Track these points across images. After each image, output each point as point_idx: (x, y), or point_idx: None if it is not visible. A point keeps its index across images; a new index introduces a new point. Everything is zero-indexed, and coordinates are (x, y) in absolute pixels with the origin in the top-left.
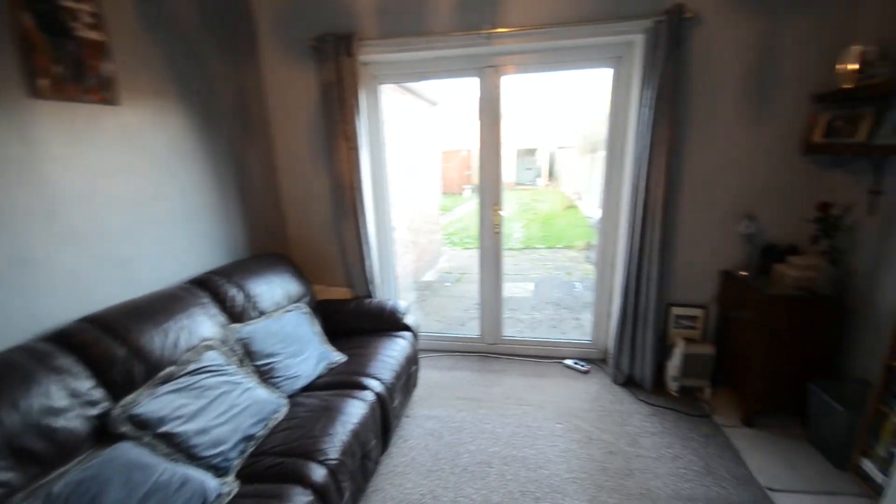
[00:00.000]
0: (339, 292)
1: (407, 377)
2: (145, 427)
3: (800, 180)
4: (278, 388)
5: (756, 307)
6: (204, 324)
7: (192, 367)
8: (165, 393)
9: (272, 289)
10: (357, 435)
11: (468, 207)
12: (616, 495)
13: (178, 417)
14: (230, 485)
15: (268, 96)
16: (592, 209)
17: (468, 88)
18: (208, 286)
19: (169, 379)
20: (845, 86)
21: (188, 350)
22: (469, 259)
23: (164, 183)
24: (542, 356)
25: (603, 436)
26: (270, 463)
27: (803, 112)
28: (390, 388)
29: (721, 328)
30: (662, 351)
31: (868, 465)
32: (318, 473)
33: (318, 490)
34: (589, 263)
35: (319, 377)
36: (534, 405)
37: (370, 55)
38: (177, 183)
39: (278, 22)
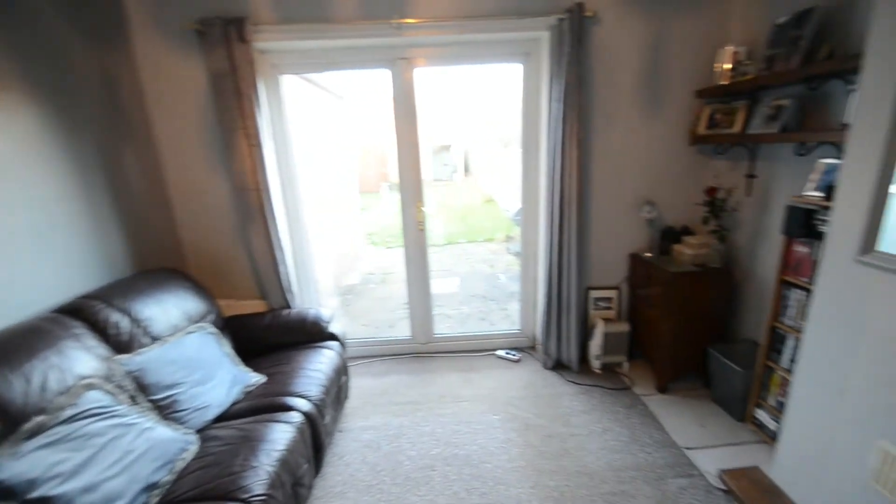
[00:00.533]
0: (252, 305)
1: (337, 390)
2: (10, 496)
3: (690, 168)
4: (184, 422)
5: (661, 284)
6: (80, 359)
7: (68, 413)
8: (34, 449)
9: (166, 309)
10: (285, 463)
11: (387, 205)
12: (556, 477)
13: (55, 477)
14: None
15: (145, 89)
16: (509, 202)
17: (378, 82)
18: (82, 314)
19: (38, 432)
20: (722, 82)
21: (61, 393)
22: (392, 258)
23: (11, 193)
24: (474, 350)
25: (539, 421)
26: None
27: (689, 106)
28: (319, 405)
29: (632, 306)
30: (585, 332)
31: (762, 415)
32: None
33: None
34: (510, 254)
35: (235, 403)
36: (471, 400)
37: (268, 42)
38: (29, 192)
39: (153, 2)
